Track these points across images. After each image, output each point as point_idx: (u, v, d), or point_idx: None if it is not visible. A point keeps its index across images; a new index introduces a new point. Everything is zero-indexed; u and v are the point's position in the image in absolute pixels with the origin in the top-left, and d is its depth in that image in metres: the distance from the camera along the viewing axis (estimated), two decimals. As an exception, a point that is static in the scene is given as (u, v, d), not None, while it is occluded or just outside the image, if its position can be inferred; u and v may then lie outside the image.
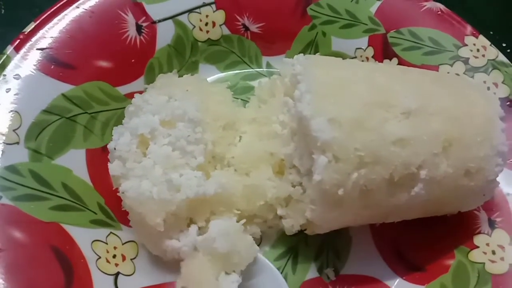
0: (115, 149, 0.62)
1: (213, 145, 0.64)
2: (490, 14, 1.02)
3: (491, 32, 0.83)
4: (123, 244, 0.66)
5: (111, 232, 0.66)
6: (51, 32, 0.70)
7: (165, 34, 0.78)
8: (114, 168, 0.61)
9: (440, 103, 0.60)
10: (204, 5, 0.80)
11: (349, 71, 0.62)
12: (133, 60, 0.75)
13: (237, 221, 0.61)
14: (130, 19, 0.75)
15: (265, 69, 0.84)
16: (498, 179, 0.64)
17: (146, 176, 0.59)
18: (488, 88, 0.76)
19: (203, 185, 0.60)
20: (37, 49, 0.68)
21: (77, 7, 0.72)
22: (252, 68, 0.84)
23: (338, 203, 0.57)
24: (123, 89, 0.74)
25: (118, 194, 0.61)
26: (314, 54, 0.81)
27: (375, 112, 0.57)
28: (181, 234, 0.61)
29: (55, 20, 0.71)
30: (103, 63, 0.72)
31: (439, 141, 0.58)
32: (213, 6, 0.80)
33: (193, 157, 0.62)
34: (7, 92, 0.65)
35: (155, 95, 0.66)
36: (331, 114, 0.56)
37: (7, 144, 0.62)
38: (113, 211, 0.67)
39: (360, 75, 0.61)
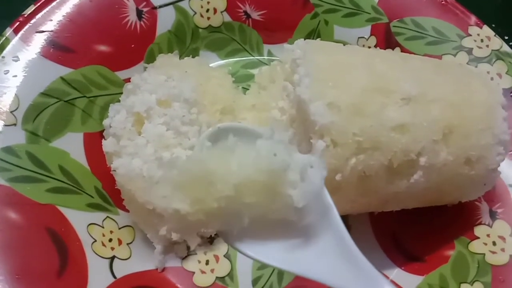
0: (110, 126, 0.62)
1: (208, 127, 0.64)
2: (492, 7, 1.01)
3: (493, 25, 0.82)
4: (119, 228, 0.66)
5: (107, 216, 0.65)
6: (51, 15, 0.70)
7: (165, 20, 0.77)
8: (107, 145, 0.61)
9: (441, 90, 0.60)
10: (206, -9, 0.80)
11: (349, 56, 0.61)
12: (133, 45, 0.75)
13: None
14: (130, 4, 0.75)
15: (266, 57, 0.84)
16: (500, 170, 0.63)
17: (138, 154, 0.59)
18: (492, 79, 0.75)
19: None
20: (37, 32, 0.68)
21: (78, -9, 0.72)
22: (253, 56, 0.84)
23: (335, 189, 0.57)
24: (122, 74, 0.73)
25: (111, 172, 0.61)
26: (316, 42, 0.80)
27: (374, 98, 0.56)
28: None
29: (55, 3, 0.70)
30: (103, 48, 0.72)
31: (439, 128, 0.57)
32: (215, -8, 0.80)
33: (186, 138, 0.61)
34: (5, 74, 0.65)
35: (154, 74, 0.66)
36: (330, 98, 0.55)
37: (5, 125, 0.62)
38: (110, 195, 0.67)
39: (360, 61, 0.60)
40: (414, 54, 0.76)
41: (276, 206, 0.45)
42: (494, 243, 0.65)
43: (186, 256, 0.67)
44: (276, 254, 0.47)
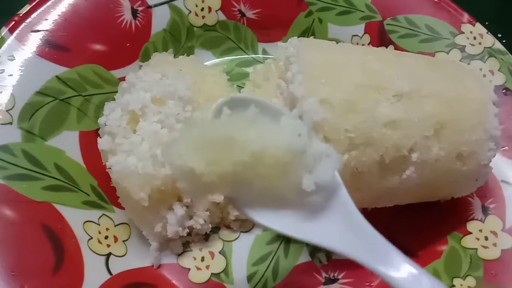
0: (105, 124, 0.62)
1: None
2: (486, 4, 1.01)
3: (487, 23, 0.83)
4: (115, 226, 0.66)
5: (103, 214, 0.66)
6: (46, 14, 0.70)
7: (160, 19, 0.78)
8: (103, 143, 0.61)
9: (433, 86, 0.60)
10: (200, -10, 0.80)
11: (342, 53, 0.61)
12: (128, 44, 0.75)
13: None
14: (125, 3, 0.75)
15: (261, 56, 0.85)
16: (492, 165, 0.63)
17: (133, 152, 0.60)
18: (484, 76, 0.75)
19: None
20: (32, 31, 0.68)
21: (73, -10, 0.73)
22: (248, 55, 0.84)
23: (328, 185, 0.57)
24: (117, 73, 0.74)
25: (107, 170, 0.61)
26: (310, 40, 0.81)
27: (367, 94, 0.57)
28: (169, 212, 0.62)
29: (50, 3, 0.70)
30: (98, 47, 0.72)
31: (431, 123, 0.58)
32: (209, -9, 0.80)
33: (181, 135, 0.62)
34: (1, 73, 0.65)
35: (148, 73, 0.66)
36: (323, 95, 0.55)
37: (0, 124, 0.63)
38: (106, 193, 0.67)
39: (353, 58, 0.61)
40: (408, 51, 0.77)
41: (284, 183, 0.44)
42: (486, 238, 0.66)
43: (181, 253, 0.68)
44: (288, 223, 0.47)
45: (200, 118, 0.48)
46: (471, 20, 0.79)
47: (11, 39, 0.67)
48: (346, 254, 0.45)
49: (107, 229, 0.65)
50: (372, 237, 0.46)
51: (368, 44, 0.81)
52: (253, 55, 0.85)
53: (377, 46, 0.79)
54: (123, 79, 0.72)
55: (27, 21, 0.69)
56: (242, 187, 0.45)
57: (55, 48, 0.69)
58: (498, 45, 0.77)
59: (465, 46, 0.77)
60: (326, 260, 0.69)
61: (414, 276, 0.43)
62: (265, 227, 0.47)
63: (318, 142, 0.46)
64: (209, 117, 0.47)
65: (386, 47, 0.79)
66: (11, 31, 0.67)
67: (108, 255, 0.63)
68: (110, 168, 0.61)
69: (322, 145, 0.46)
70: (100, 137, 0.64)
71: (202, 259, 0.67)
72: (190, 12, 0.80)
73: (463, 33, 0.78)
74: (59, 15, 0.71)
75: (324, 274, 0.68)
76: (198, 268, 0.67)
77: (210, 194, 0.47)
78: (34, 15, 0.69)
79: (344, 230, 0.46)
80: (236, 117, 0.44)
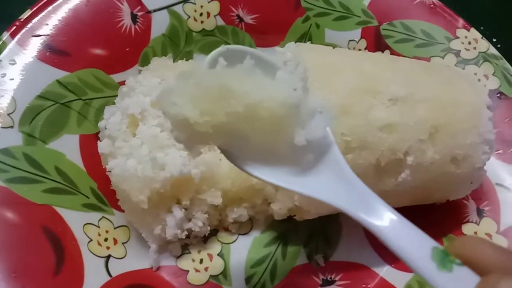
0: (105, 128, 0.63)
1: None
2: (481, 9, 1.03)
3: (482, 28, 0.84)
4: (115, 228, 0.67)
5: (103, 216, 0.67)
6: (47, 19, 0.71)
7: (160, 24, 0.78)
8: (103, 146, 0.62)
9: (428, 90, 0.61)
10: (199, -5, 0.81)
11: (338, 58, 0.63)
12: (127, 49, 0.76)
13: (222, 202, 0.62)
14: (125, 8, 0.76)
15: (259, 60, 0.85)
16: (487, 169, 0.64)
17: (133, 155, 0.61)
18: (479, 80, 0.76)
19: (188, 164, 0.61)
20: (33, 36, 0.69)
21: (73, -5, 0.74)
22: (246, 59, 0.85)
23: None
24: (117, 77, 0.74)
25: (106, 173, 0.62)
26: (307, 45, 0.82)
27: (362, 98, 0.58)
28: (168, 215, 0.62)
29: (51, 8, 0.71)
30: (98, 51, 0.73)
31: (426, 127, 0.59)
32: (208, -4, 0.82)
33: (180, 139, 0.63)
34: (2, 77, 0.66)
35: (148, 77, 0.67)
36: (319, 99, 0.56)
37: (2, 127, 0.63)
38: (106, 196, 0.68)
39: (349, 62, 0.62)
40: (404, 56, 0.78)
41: (277, 138, 0.44)
42: (481, 240, 0.67)
43: (180, 255, 0.68)
44: (282, 177, 0.47)
45: (196, 68, 0.47)
46: (466, 25, 0.80)
47: (12, 43, 0.68)
48: (334, 204, 0.46)
49: (106, 231, 0.66)
50: (360, 190, 0.46)
51: (365, 49, 0.82)
52: (251, 60, 0.85)
53: (373, 51, 0.80)
54: (123, 83, 0.73)
55: (28, 26, 0.70)
56: (236, 139, 0.44)
57: (56, 53, 0.70)
58: (493, 50, 0.78)
59: (460, 51, 0.79)
60: (323, 262, 0.70)
61: (396, 224, 0.44)
62: (261, 180, 0.47)
63: (312, 98, 0.46)
64: (204, 67, 0.47)
65: (382, 52, 0.80)
66: (13, 35, 0.68)
67: (108, 257, 0.64)
68: (110, 171, 0.62)
69: (316, 101, 0.46)
70: (100, 141, 0.65)
71: (201, 261, 0.68)
72: (189, 17, 0.81)
73: (458, 38, 0.79)
74: (59, 20, 0.71)
75: (321, 276, 0.69)
76: (197, 270, 0.67)
77: (203, 144, 0.46)
78: (35, 20, 0.70)
79: (334, 184, 0.46)
80: (231, 68, 0.44)
